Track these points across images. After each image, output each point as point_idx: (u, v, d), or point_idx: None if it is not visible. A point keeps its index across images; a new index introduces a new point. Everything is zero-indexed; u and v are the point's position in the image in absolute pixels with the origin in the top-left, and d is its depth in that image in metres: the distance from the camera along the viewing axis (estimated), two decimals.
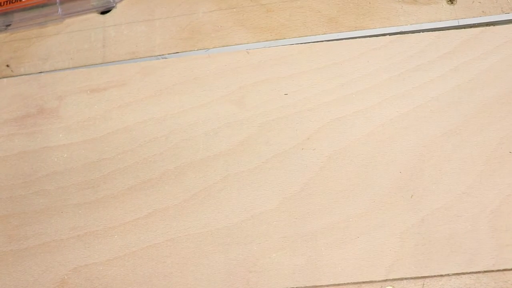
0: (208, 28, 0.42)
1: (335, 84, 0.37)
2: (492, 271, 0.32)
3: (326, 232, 0.33)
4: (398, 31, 0.40)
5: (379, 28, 0.40)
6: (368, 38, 0.39)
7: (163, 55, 0.41)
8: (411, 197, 0.34)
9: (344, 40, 0.39)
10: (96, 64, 0.42)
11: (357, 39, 0.39)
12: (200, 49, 0.41)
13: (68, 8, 0.44)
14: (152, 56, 0.42)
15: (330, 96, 0.37)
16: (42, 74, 0.42)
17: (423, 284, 0.32)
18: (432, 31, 0.39)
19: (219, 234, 0.34)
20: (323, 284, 0.32)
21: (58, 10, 0.44)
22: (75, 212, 0.36)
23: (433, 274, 0.32)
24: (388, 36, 0.39)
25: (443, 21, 0.40)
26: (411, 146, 0.35)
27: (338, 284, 0.32)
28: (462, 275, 0.32)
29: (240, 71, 0.39)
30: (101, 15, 0.44)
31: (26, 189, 0.37)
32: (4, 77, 0.42)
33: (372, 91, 0.37)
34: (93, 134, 0.38)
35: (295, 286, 0.32)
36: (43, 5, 0.44)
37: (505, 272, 0.31)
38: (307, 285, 0.32)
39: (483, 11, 0.40)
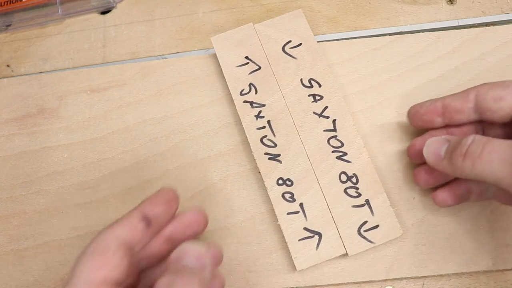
0: (208, 28, 0.42)
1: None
2: (492, 271, 0.32)
3: None
4: (398, 31, 0.40)
5: (379, 28, 0.40)
6: (368, 38, 0.39)
7: (163, 55, 0.42)
8: (413, 198, 0.34)
9: (344, 40, 0.39)
10: (96, 64, 0.42)
11: (357, 39, 0.39)
12: (200, 49, 0.41)
13: (68, 8, 0.44)
14: (152, 56, 0.42)
15: None
16: (43, 74, 0.42)
17: (423, 284, 0.32)
18: (432, 31, 0.39)
19: (219, 234, 0.34)
20: (323, 284, 0.32)
21: (58, 10, 0.44)
22: (75, 212, 0.36)
23: (433, 274, 0.32)
24: (388, 36, 0.39)
25: (443, 21, 0.40)
26: None
27: (338, 284, 0.32)
28: (462, 275, 0.32)
29: None
30: (101, 15, 0.44)
31: (26, 189, 0.37)
32: (4, 77, 0.42)
33: (372, 91, 0.37)
34: (93, 134, 0.38)
35: (295, 286, 0.32)
36: (43, 5, 0.44)
37: (504, 272, 0.32)
38: (307, 285, 0.33)
39: (482, 11, 0.40)
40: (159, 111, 0.38)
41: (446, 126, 0.31)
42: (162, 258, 0.27)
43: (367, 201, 0.32)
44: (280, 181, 0.33)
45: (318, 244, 0.31)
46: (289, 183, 0.33)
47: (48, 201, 0.37)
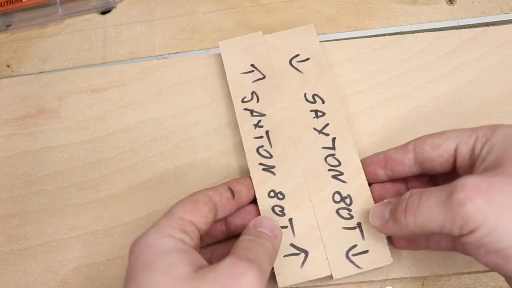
0: (208, 28, 0.42)
1: (335, 84, 0.37)
2: (492, 271, 0.32)
3: None
4: (398, 31, 0.40)
5: (379, 28, 0.40)
6: (368, 38, 0.39)
7: (163, 55, 0.42)
8: None
9: (344, 40, 0.39)
10: (97, 64, 0.42)
11: (357, 39, 0.39)
12: (200, 49, 0.41)
13: (68, 8, 0.44)
14: (152, 56, 0.42)
15: None
16: (43, 74, 0.42)
17: (423, 284, 0.32)
18: (431, 31, 0.39)
19: None
20: (323, 284, 0.32)
21: (58, 10, 0.44)
22: (75, 212, 0.36)
23: (432, 274, 0.32)
24: (387, 36, 0.39)
25: (442, 21, 0.40)
26: None
27: (338, 284, 0.32)
28: (462, 275, 0.32)
29: None
30: (101, 15, 0.44)
31: (26, 189, 0.37)
32: (4, 77, 0.42)
33: (372, 91, 0.37)
34: (93, 134, 0.38)
35: (295, 286, 0.32)
36: (43, 5, 0.44)
37: None
38: (307, 285, 0.32)
39: (482, 11, 0.40)
40: (159, 111, 0.38)
41: (392, 180, 0.31)
42: (217, 239, 0.32)
43: (359, 224, 0.31)
44: (272, 194, 0.32)
45: (303, 263, 0.30)
46: (281, 196, 0.32)
47: (48, 201, 0.37)
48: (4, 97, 0.41)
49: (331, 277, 0.30)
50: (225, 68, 0.36)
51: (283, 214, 0.31)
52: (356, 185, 0.32)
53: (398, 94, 0.37)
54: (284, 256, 0.30)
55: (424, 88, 0.37)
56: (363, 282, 0.32)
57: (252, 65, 0.36)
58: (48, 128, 0.39)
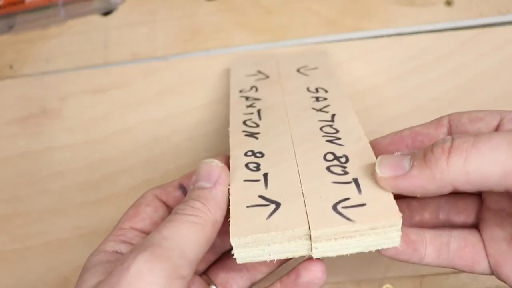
0: (209, 29, 0.42)
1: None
2: None
3: None
4: (397, 32, 0.40)
5: (378, 29, 0.40)
6: (367, 39, 0.39)
7: (164, 56, 0.42)
8: None
9: (343, 42, 0.39)
10: (98, 65, 0.42)
11: (356, 40, 0.39)
12: (201, 50, 0.42)
13: (70, 10, 0.44)
14: (153, 57, 0.42)
15: None
16: (45, 75, 0.42)
17: (421, 282, 0.32)
18: (430, 32, 0.39)
19: None
20: None
21: (60, 12, 0.44)
22: (77, 212, 0.36)
23: (431, 273, 0.32)
24: (386, 37, 0.39)
25: (440, 22, 0.40)
26: None
27: (337, 282, 0.33)
28: (460, 274, 0.32)
29: None
30: (103, 17, 0.44)
31: (29, 189, 0.38)
32: (7, 78, 0.42)
33: (371, 91, 0.37)
34: (95, 135, 0.39)
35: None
36: (45, 7, 0.44)
37: None
38: None
39: (480, 13, 0.40)
40: (160, 111, 0.39)
41: None
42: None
43: (355, 180, 0.23)
44: (249, 153, 0.26)
45: (271, 214, 0.22)
46: (259, 155, 0.26)
47: (50, 201, 0.37)
48: (7, 97, 0.41)
49: (308, 230, 0.21)
50: (231, 72, 0.37)
51: (258, 170, 0.25)
52: (356, 148, 0.26)
53: (397, 95, 0.37)
54: (247, 206, 0.23)
55: (423, 89, 0.37)
56: (362, 280, 0.32)
57: (259, 71, 0.36)
58: (50, 128, 0.39)
